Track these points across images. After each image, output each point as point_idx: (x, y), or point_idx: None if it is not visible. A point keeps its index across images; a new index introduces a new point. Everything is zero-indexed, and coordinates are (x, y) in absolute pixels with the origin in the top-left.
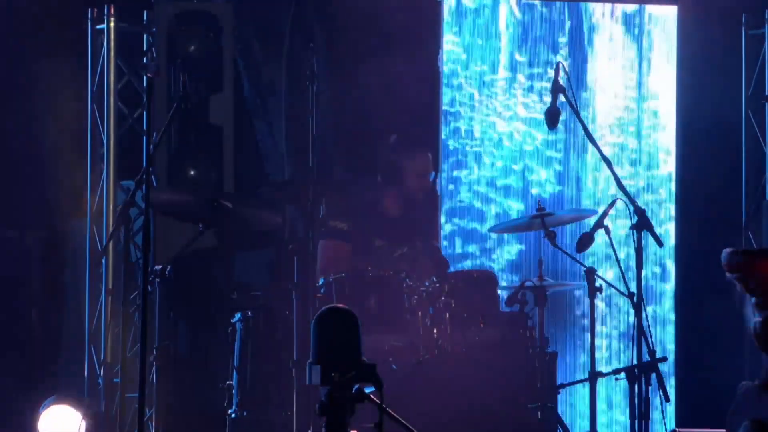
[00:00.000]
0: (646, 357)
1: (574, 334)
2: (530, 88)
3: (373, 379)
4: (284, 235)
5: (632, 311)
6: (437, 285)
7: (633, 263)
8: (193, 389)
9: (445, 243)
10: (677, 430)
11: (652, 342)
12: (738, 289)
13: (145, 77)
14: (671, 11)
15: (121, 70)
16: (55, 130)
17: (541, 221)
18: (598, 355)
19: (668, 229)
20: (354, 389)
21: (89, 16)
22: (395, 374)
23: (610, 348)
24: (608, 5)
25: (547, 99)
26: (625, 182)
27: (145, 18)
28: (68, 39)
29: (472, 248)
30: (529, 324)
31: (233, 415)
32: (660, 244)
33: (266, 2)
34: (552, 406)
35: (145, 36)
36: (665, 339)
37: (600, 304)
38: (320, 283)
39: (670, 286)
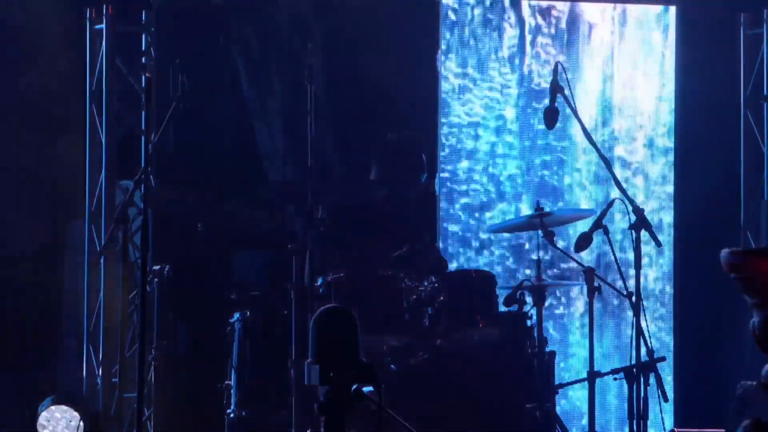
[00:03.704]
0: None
1: None
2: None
3: (371, 379)
4: (283, 235)
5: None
6: (436, 285)
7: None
8: (192, 389)
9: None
10: (676, 430)
11: (650, 342)
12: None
13: (143, 77)
14: (670, 11)
15: (119, 70)
16: (54, 130)
17: (539, 221)
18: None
19: (668, 229)
20: (352, 389)
21: (87, 16)
22: (394, 374)
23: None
24: (608, 5)
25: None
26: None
27: (143, 18)
28: (67, 39)
29: None
30: (527, 324)
31: (232, 415)
32: (658, 243)
33: (266, 2)
34: (550, 405)
35: (143, 36)
36: (664, 338)
37: None
38: (319, 282)
39: (669, 286)
